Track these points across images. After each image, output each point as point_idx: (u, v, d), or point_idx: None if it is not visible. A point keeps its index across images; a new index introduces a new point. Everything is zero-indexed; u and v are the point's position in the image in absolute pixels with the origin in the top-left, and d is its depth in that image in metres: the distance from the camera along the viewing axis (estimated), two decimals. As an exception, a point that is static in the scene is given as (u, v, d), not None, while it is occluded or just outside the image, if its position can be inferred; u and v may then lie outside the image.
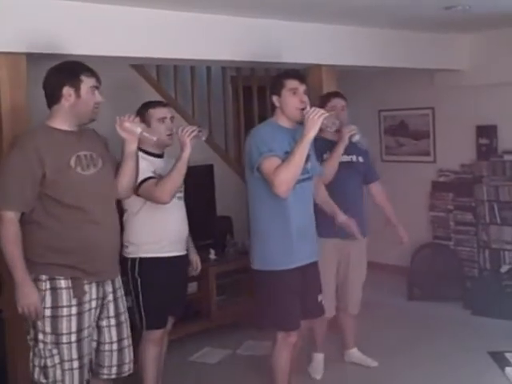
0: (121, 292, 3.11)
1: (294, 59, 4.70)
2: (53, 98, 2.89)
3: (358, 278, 4.32)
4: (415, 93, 6.63)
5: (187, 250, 3.77)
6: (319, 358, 4.35)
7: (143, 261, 3.54)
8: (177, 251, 3.64)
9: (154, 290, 3.54)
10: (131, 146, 3.05)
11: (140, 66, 5.60)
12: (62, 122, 2.89)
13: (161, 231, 3.55)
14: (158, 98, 4.99)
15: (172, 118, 3.67)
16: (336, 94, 4.28)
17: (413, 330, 5.15)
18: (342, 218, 3.78)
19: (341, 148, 3.98)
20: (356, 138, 3.72)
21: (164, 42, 4.09)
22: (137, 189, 3.37)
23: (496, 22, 5.28)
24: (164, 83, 5.90)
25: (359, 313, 4.42)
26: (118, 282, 3.10)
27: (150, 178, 3.42)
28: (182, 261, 3.72)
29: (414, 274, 6.20)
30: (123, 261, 3.53)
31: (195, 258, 3.87)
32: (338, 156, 3.98)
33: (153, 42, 4.02)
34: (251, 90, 6.49)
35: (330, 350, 4.46)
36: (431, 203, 6.48)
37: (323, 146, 3.97)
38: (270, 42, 4.55)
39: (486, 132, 6.09)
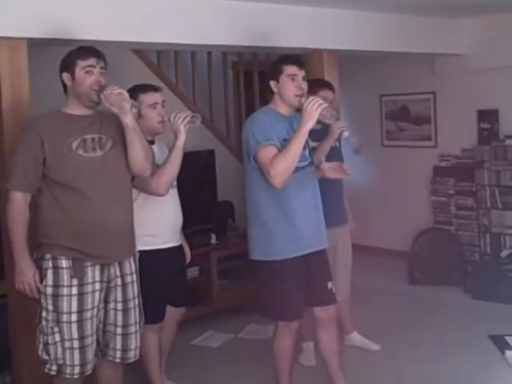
0: (132, 278, 3.08)
1: (295, 44, 4.68)
2: (62, 86, 3.04)
3: (345, 265, 4.29)
4: (417, 78, 6.61)
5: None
6: (309, 346, 4.31)
7: (140, 254, 3.37)
8: (172, 242, 3.57)
9: (151, 285, 3.38)
10: (126, 118, 2.93)
11: (141, 52, 5.59)
12: (72, 107, 3.01)
13: (157, 222, 3.46)
14: (159, 83, 4.96)
15: (163, 102, 3.52)
16: (325, 85, 4.11)
17: (414, 314, 5.17)
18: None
19: (329, 143, 3.85)
20: (345, 134, 3.51)
21: (163, 27, 4.05)
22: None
23: (497, 6, 5.24)
24: (165, 69, 5.89)
25: (360, 297, 4.41)
26: (130, 267, 3.08)
27: None
28: (178, 251, 3.67)
29: (414, 258, 6.21)
30: None
31: (185, 249, 3.79)
32: (325, 151, 3.84)
33: (151, 27, 3.99)
34: (252, 76, 6.48)
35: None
36: (432, 188, 6.48)
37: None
38: (271, 27, 4.52)
39: (488, 116, 6.07)
